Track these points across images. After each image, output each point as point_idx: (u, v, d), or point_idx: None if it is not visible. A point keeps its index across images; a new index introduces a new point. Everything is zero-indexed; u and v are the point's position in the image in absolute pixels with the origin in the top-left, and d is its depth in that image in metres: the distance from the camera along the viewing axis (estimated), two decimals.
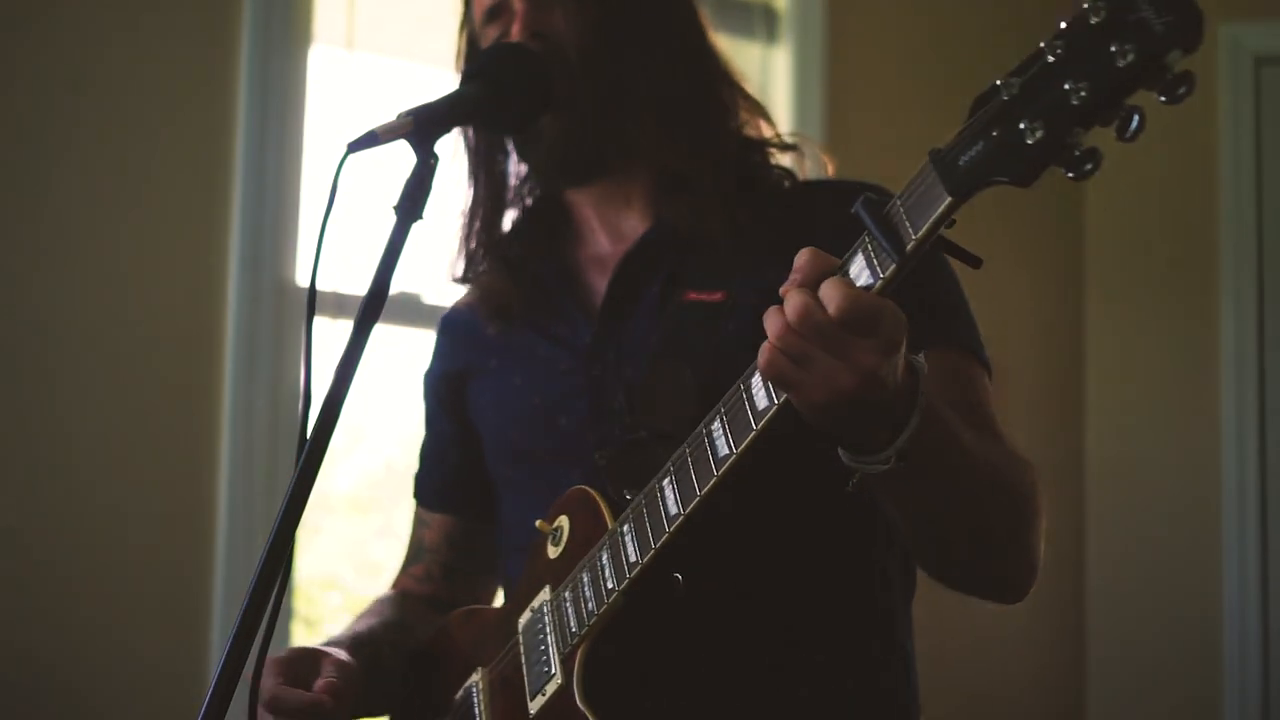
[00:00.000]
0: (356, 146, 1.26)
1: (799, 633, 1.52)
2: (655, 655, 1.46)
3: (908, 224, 1.14)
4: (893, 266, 1.15)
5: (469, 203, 1.74)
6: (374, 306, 1.23)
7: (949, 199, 1.12)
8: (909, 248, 1.14)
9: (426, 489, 1.84)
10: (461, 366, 1.77)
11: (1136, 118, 1.04)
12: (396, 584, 1.85)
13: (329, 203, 1.24)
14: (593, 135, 1.60)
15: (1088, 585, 3.98)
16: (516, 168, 1.75)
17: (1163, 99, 1.03)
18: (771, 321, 1.17)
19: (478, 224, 1.73)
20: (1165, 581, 3.93)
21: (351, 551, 4.31)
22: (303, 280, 2.81)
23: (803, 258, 1.18)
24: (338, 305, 2.75)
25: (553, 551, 1.53)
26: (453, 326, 1.81)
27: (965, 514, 1.38)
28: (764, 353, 1.18)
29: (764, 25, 3.61)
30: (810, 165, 1.78)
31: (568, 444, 1.61)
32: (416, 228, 1.28)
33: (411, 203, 1.27)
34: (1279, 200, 3.96)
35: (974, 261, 1.18)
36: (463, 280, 1.75)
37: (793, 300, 1.16)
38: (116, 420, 2.63)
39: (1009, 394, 3.82)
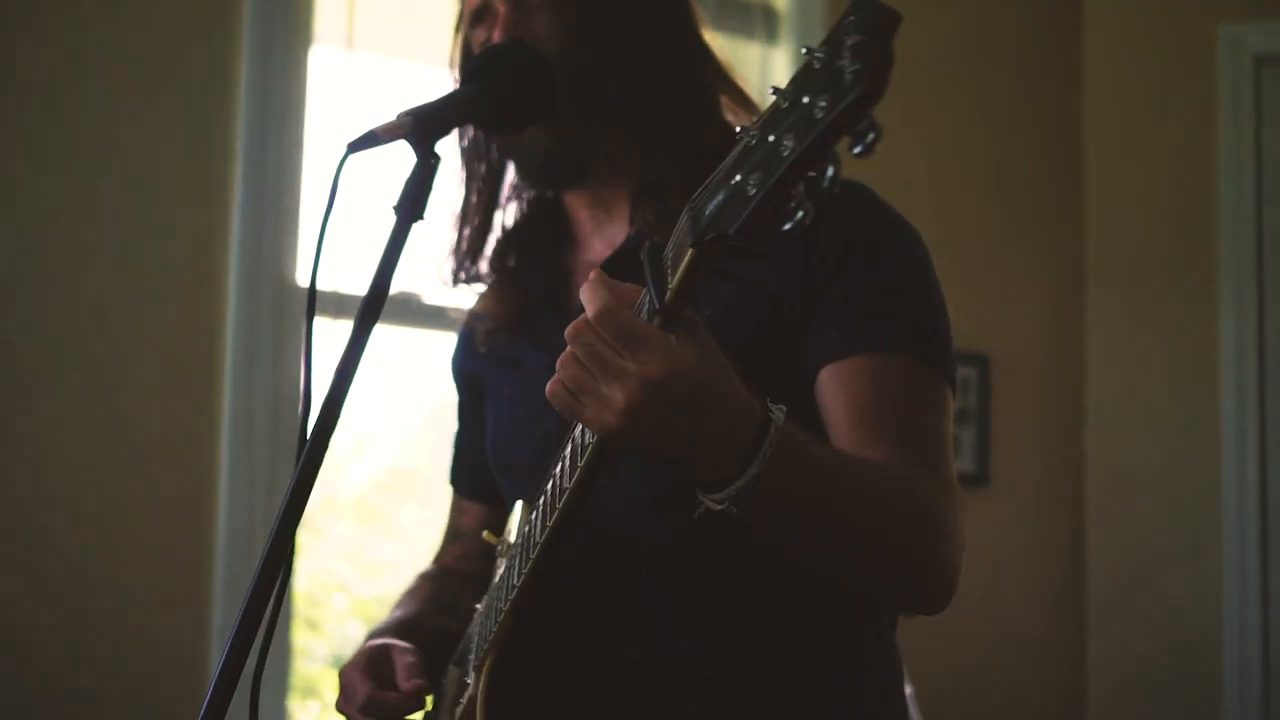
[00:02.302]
0: (356, 146, 1.25)
1: (722, 662, 1.49)
2: (553, 669, 1.49)
3: (669, 271, 1.13)
4: (657, 318, 1.14)
5: (459, 204, 1.73)
6: (374, 306, 1.23)
7: (690, 251, 1.09)
8: (667, 297, 1.12)
9: (461, 478, 1.89)
10: (478, 371, 1.80)
11: (831, 170, 0.99)
12: (439, 560, 1.90)
13: (329, 203, 1.24)
14: (571, 144, 1.59)
15: (1088, 585, 3.98)
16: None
17: (853, 152, 0.97)
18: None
19: (468, 229, 1.73)
20: (1165, 582, 3.93)
21: (356, 554, 4.32)
22: (303, 280, 2.81)
23: (587, 285, 1.16)
24: (338, 305, 2.75)
25: (500, 564, 1.58)
26: (472, 329, 1.82)
27: (834, 553, 1.33)
28: (551, 380, 1.18)
29: (764, 25, 3.61)
30: None
31: (543, 456, 1.61)
32: (416, 228, 1.27)
33: (411, 203, 1.26)
34: (1279, 200, 3.96)
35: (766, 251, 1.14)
36: (454, 283, 1.75)
37: (574, 323, 1.16)
38: (116, 420, 2.63)
39: (1010, 394, 3.83)
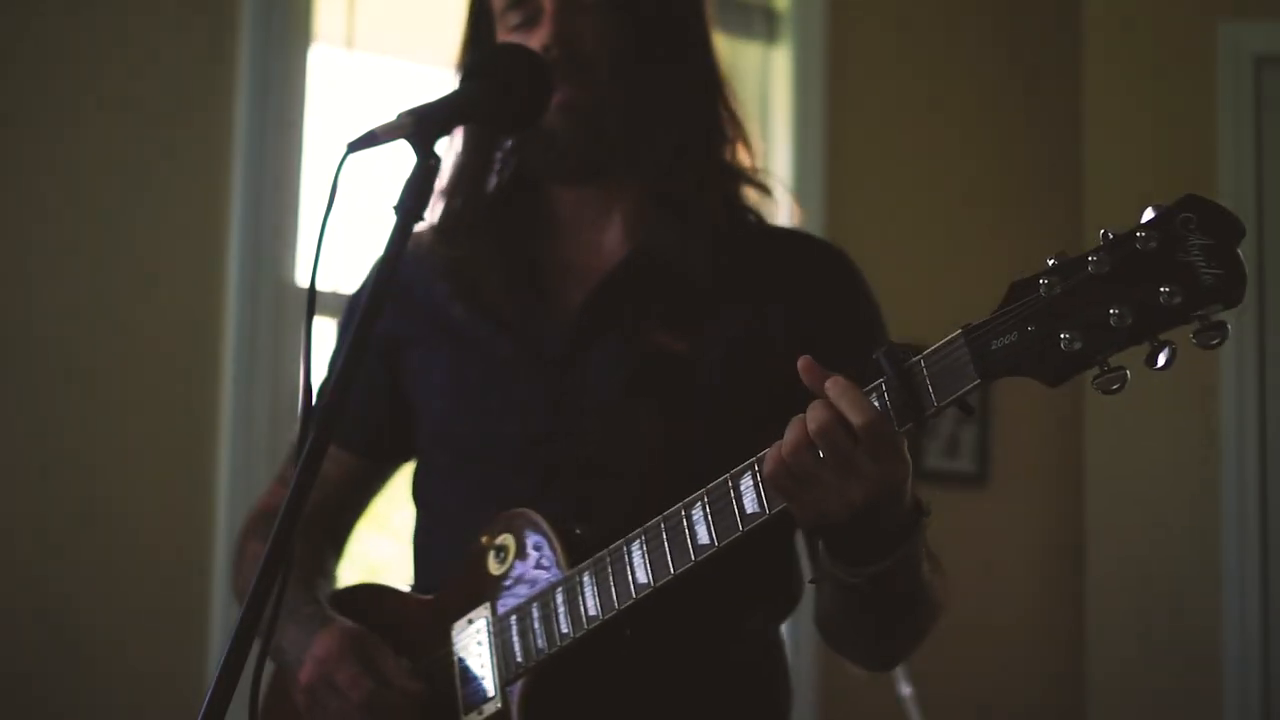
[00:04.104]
0: (356, 146, 1.25)
1: (723, 678, 1.58)
2: (594, 695, 1.50)
3: (930, 390, 1.21)
4: (909, 426, 1.22)
5: (457, 164, 1.69)
6: (374, 306, 1.23)
7: (978, 380, 1.19)
8: (928, 414, 1.21)
9: (343, 426, 1.77)
10: (408, 332, 1.71)
11: (1167, 351, 1.12)
12: (278, 498, 1.80)
13: (329, 203, 1.24)
14: (605, 143, 1.59)
15: (1088, 585, 3.98)
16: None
17: (1194, 340, 1.11)
18: (791, 431, 1.24)
19: (463, 186, 1.68)
20: (1165, 582, 3.93)
21: (356, 555, 4.31)
22: (303, 280, 2.81)
23: (838, 386, 1.23)
24: (338, 305, 2.75)
25: (495, 568, 1.54)
26: (404, 284, 1.68)
27: (894, 630, 1.49)
28: (771, 460, 1.25)
29: (764, 25, 3.61)
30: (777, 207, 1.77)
31: (514, 453, 1.61)
32: (416, 228, 1.27)
33: (412, 202, 1.26)
34: (1279, 200, 3.96)
35: (969, 410, 1.25)
36: (440, 233, 1.68)
37: (817, 411, 1.22)
38: (116, 420, 2.63)
39: (1010, 394, 3.82)
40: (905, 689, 3.06)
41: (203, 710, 1.08)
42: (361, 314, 1.22)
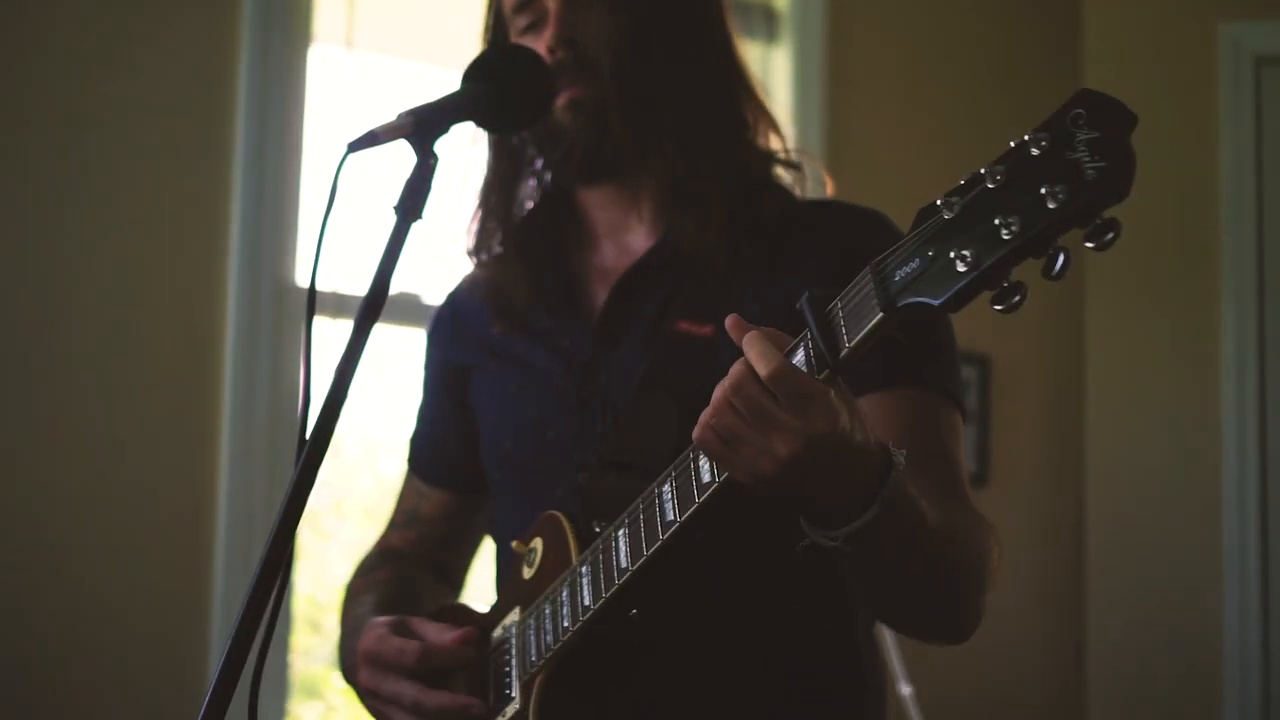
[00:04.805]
0: (356, 146, 1.26)
1: (755, 668, 1.55)
2: (610, 687, 1.50)
3: (844, 331, 1.16)
4: (826, 372, 1.17)
5: (488, 176, 1.73)
6: (374, 306, 1.23)
7: (880, 315, 1.12)
8: (842, 355, 1.16)
9: (425, 463, 1.85)
10: (466, 360, 1.77)
11: (1062, 258, 1.03)
12: (388, 541, 1.86)
13: (329, 203, 1.24)
14: (612, 139, 1.60)
15: (1088, 585, 3.98)
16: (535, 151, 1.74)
17: (1089, 244, 1.01)
18: (715, 393, 1.20)
19: (495, 199, 1.72)
20: (1165, 582, 3.93)
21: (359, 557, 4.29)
22: (303, 280, 2.81)
23: (749, 339, 1.19)
24: (338, 305, 2.75)
25: (526, 573, 1.56)
26: (460, 314, 1.80)
27: (914, 591, 1.41)
28: (699, 426, 1.21)
29: (764, 25, 3.61)
30: (811, 183, 1.78)
31: (552, 459, 1.62)
32: (416, 228, 1.28)
33: (412, 202, 1.26)
34: (1279, 200, 3.96)
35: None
36: (475, 256, 1.74)
37: (733, 368, 1.19)
38: (116, 420, 2.63)
39: (1010, 394, 3.83)
40: (905, 689, 3.06)
41: (203, 710, 1.08)
42: (360, 314, 1.22)
